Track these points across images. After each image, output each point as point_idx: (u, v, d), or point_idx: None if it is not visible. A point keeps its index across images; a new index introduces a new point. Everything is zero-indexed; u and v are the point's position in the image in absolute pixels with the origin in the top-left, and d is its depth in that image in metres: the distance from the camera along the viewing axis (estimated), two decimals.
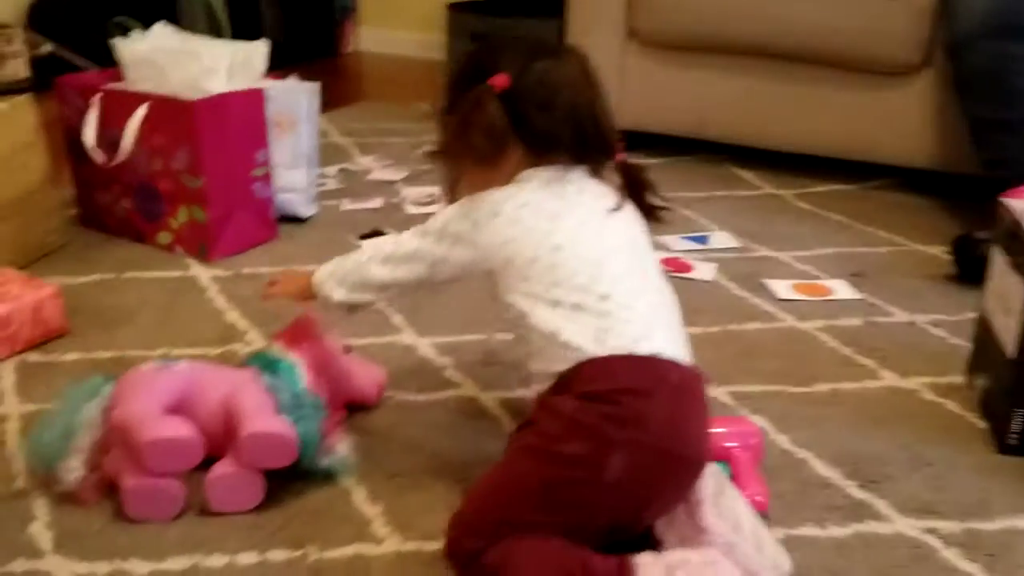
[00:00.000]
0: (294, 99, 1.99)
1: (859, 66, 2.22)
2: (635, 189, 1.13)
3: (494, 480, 1.02)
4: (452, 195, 1.14)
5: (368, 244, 1.21)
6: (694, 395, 1.03)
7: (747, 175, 2.43)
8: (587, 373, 0.99)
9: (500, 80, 1.05)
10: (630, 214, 1.13)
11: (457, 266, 1.10)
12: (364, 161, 2.47)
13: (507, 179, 1.09)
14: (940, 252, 1.91)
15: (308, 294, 1.22)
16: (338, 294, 1.18)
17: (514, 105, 1.06)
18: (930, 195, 2.29)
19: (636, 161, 1.14)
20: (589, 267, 1.03)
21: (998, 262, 1.34)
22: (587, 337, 0.99)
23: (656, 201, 1.16)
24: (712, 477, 1.02)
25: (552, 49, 1.12)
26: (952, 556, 1.07)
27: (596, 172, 1.12)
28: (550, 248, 1.04)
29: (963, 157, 2.09)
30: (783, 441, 1.28)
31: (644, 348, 0.99)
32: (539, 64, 1.06)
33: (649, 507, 0.99)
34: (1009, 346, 1.25)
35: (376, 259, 1.15)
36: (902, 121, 2.22)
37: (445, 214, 1.11)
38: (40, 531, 1.07)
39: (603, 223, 1.08)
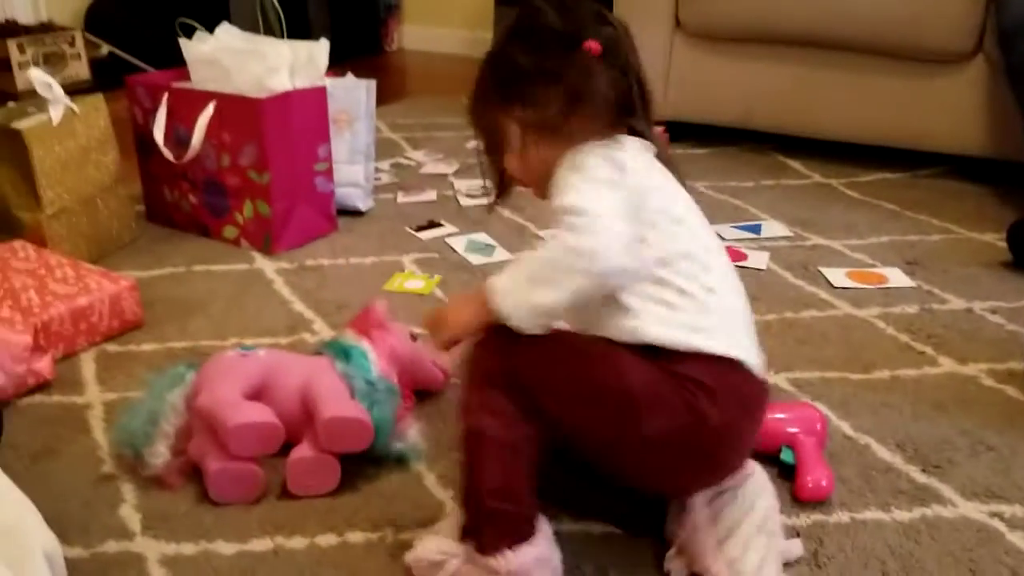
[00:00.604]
0: (353, 96, 2.03)
1: (909, 54, 2.22)
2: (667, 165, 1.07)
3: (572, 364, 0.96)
4: (503, 186, 1.12)
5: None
6: (758, 409, 1.02)
7: (795, 164, 2.44)
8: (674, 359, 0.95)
9: (595, 46, 0.99)
10: None
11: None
12: (416, 155, 2.51)
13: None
14: (994, 239, 1.92)
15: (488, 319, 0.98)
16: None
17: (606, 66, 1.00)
18: (982, 183, 2.28)
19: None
20: (701, 252, 0.99)
21: None
22: (682, 329, 0.95)
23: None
24: (730, 511, 1.03)
25: (600, 12, 1.05)
26: (1018, 539, 1.09)
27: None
28: (672, 219, 0.99)
29: (1015, 145, 2.09)
30: (845, 427, 1.30)
31: (733, 352, 0.96)
32: (606, 29, 1.02)
33: (663, 478, 1.01)
34: None
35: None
36: (953, 109, 2.22)
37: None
38: (129, 514, 1.12)
39: (697, 209, 1.05)
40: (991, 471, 1.21)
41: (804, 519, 1.11)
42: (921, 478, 1.19)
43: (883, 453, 1.24)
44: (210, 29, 1.97)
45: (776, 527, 1.04)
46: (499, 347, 0.97)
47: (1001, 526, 1.11)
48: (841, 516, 1.12)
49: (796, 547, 1.05)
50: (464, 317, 1.00)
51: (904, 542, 1.08)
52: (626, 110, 1.03)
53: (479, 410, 0.96)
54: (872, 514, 1.13)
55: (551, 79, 1.00)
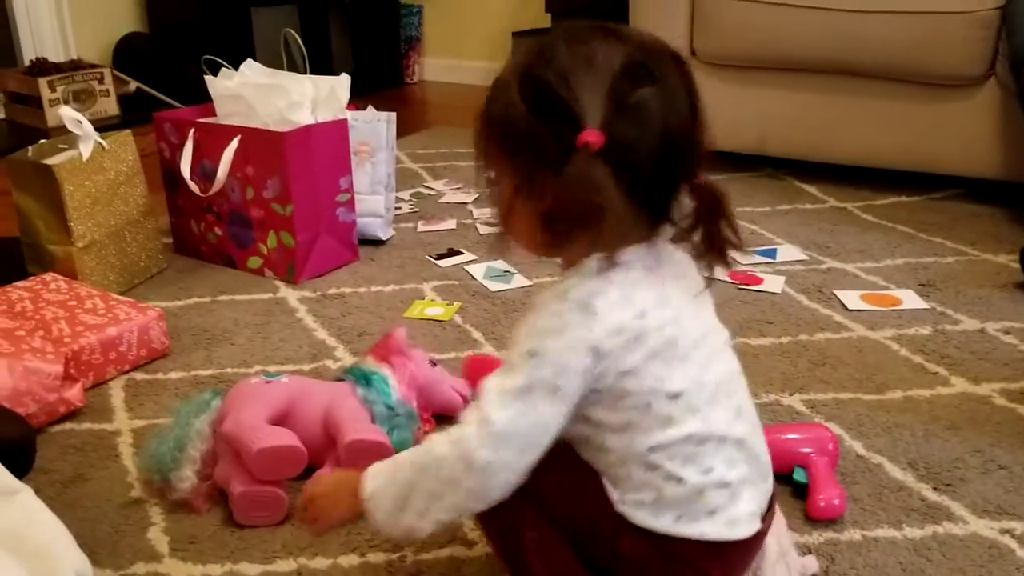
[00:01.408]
0: (373, 128, 2.08)
1: (922, 79, 2.24)
2: (710, 217, 0.86)
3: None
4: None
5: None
6: (753, 554, 0.95)
7: (811, 189, 2.46)
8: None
9: (594, 138, 0.79)
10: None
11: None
12: (436, 185, 2.56)
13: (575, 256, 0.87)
14: (1008, 261, 1.93)
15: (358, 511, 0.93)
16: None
17: (614, 163, 0.80)
18: (996, 205, 2.30)
19: (714, 180, 0.87)
20: (702, 428, 0.86)
21: None
22: (669, 517, 0.87)
23: (730, 236, 0.87)
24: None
25: (636, 60, 0.81)
26: None
27: None
28: (667, 396, 0.85)
29: None
30: (858, 447, 1.32)
31: (727, 534, 0.88)
32: (635, 94, 0.80)
33: None
34: None
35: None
36: (966, 132, 2.24)
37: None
38: (157, 536, 1.15)
39: (705, 333, 0.89)
40: (1002, 489, 1.22)
41: (816, 537, 1.13)
42: (932, 496, 1.21)
43: (895, 472, 1.26)
44: (235, 65, 2.02)
45: (789, 545, 1.05)
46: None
47: (1012, 543, 1.12)
48: (853, 534, 1.14)
49: (812, 563, 1.07)
50: (338, 512, 0.96)
51: (915, 559, 1.09)
52: (647, 219, 0.85)
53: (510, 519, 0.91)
54: (884, 532, 1.14)
55: (545, 165, 0.82)
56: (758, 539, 0.91)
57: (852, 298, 1.79)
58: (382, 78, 3.98)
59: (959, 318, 1.71)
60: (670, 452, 0.85)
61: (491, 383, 0.85)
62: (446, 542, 1.13)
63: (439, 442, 0.87)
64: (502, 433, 0.83)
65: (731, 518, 0.87)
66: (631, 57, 0.81)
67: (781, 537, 1.05)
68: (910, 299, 1.78)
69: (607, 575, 0.91)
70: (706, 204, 0.85)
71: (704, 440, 0.86)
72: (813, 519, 1.16)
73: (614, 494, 0.88)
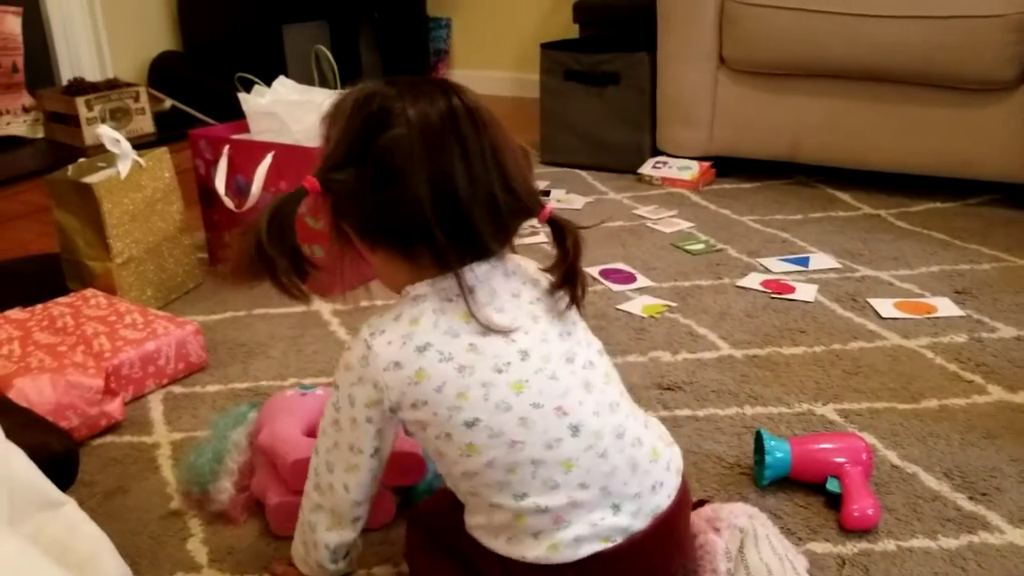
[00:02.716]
0: None
1: (954, 83, 2.23)
2: (562, 256, 0.91)
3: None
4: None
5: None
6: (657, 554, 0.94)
7: (844, 196, 2.45)
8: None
9: (308, 183, 0.92)
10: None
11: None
12: None
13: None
14: None
15: None
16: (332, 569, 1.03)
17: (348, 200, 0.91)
18: None
19: (565, 216, 0.92)
20: (506, 453, 0.88)
21: None
22: (500, 540, 0.91)
23: (582, 278, 0.92)
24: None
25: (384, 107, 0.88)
26: None
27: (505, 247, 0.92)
28: (464, 424, 0.88)
29: None
30: (892, 457, 1.31)
31: (550, 555, 0.89)
32: (388, 135, 0.87)
33: None
34: None
35: (316, 509, 1.00)
36: (1000, 137, 2.23)
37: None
38: (196, 547, 1.17)
39: (538, 359, 0.90)
40: None
41: (851, 547, 1.13)
42: (968, 506, 1.20)
43: (930, 482, 1.25)
44: (267, 82, 2.05)
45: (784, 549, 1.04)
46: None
47: None
48: (887, 544, 1.13)
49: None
50: None
51: (951, 569, 1.09)
52: (440, 253, 0.88)
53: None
54: (919, 542, 1.14)
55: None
56: (620, 559, 0.90)
57: (886, 306, 1.78)
58: None
59: (996, 325, 1.69)
60: (482, 479, 0.89)
61: None
62: None
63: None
64: (321, 461, 0.97)
65: (554, 543, 0.89)
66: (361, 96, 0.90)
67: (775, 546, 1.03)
68: (945, 307, 1.77)
69: None
70: (558, 243, 0.91)
71: (513, 467, 0.88)
72: (847, 529, 1.15)
73: (464, 516, 0.94)
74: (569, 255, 0.91)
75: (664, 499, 0.93)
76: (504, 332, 0.89)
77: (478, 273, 0.90)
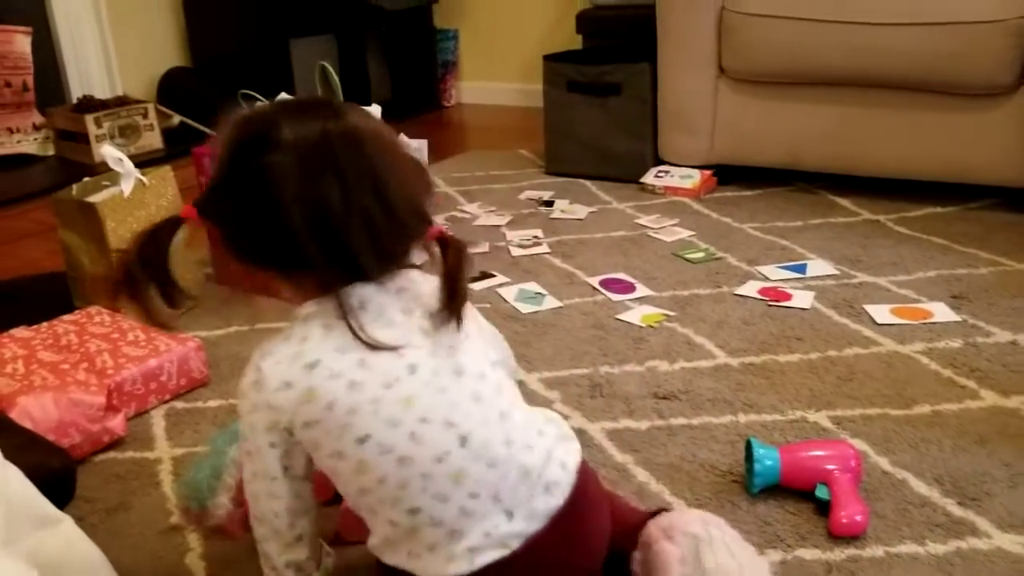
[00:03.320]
0: None
1: (952, 89, 2.24)
2: (447, 273, 0.92)
3: None
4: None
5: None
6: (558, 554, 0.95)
7: (844, 202, 2.45)
8: None
9: (186, 211, 0.94)
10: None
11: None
12: (470, 208, 2.60)
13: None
14: None
15: None
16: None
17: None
18: None
19: (455, 235, 0.94)
20: (395, 469, 0.89)
21: None
22: (400, 554, 0.93)
23: (462, 295, 0.92)
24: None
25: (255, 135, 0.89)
26: None
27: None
28: (355, 440, 0.89)
29: None
30: (883, 463, 1.32)
31: (446, 567, 0.90)
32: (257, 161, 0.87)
33: None
34: None
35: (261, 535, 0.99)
36: (999, 141, 2.23)
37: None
38: (195, 561, 1.20)
39: (417, 366, 0.91)
40: None
41: (839, 554, 1.14)
42: (957, 511, 1.21)
43: (920, 487, 1.26)
44: (276, 95, 2.08)
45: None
46: None
47: None
48: (875, 550, 1.14)
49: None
50: None
51: (938, 575, 1.10)
52: (322, 273, 0.89)
53: None
54: (907, 548, 1.15)
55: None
56: (525, 563, 0.91)
57: (882, 312, 1.78)
58: (420, 102, 4.04)
59: (991, 330, 1.70)
60: (377, 495, 0.90)
61: None
62: None
63: None
64: (248, 492, 0.97)
65: (450, 555, 0.90)
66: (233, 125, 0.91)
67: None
68: (941, 312, 1.78)
69: None
70: (445, 260, 0.92)
71: (403, 482, 0.89)
72: (835, 536, 1.16)
73: (370, 539, 0.95)
74: (452, 271, 0.91)
75: (559, 499, 0.94)
76: (392, 348, 0.90)
77: (363, 292, 0.91)
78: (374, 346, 0.89)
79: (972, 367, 1.57)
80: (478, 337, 0.98)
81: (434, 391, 0.90)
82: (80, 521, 1.09)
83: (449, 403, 0.90)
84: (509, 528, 0.91)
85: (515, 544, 0.91)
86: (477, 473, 0.90)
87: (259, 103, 2.02)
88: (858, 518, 1.17)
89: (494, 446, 0.91)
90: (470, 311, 0.97)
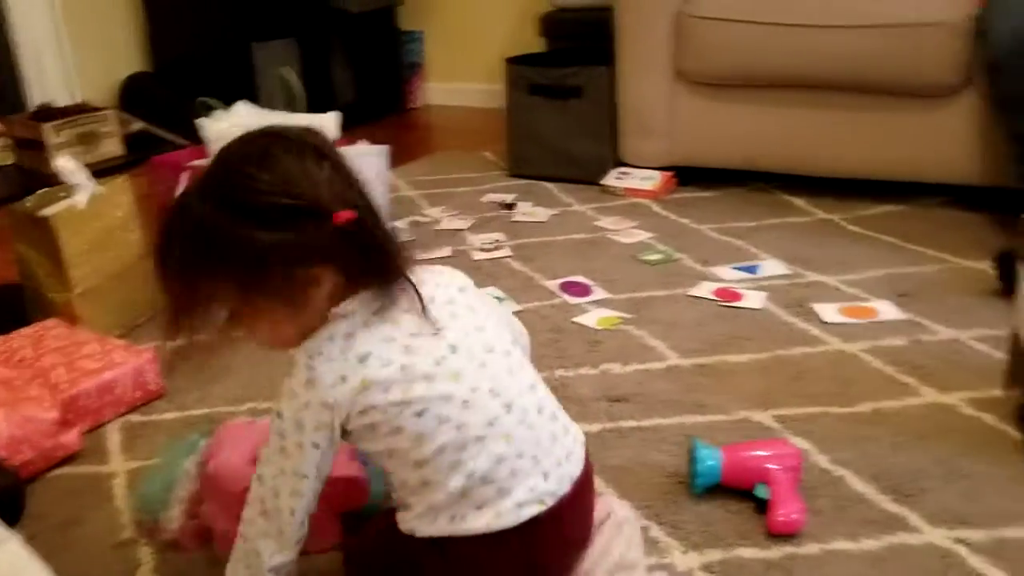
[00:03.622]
0: (365, 162, 2.12)
1: (901, 90, 2.28)
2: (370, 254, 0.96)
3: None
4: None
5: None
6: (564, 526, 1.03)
7: (799, 202, 2.49)
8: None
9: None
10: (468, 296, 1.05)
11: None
12: (432, 212, 2.61)
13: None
14: (989, 267, 1.95)
15: None
16: None
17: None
18: (982, 211, 2.32)
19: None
20: (455, 435, 0.96)
21: (1023, 276, 1.40)
22: (444, 519, 0.98)
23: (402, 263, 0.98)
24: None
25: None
26: (978, 563, 1.14)
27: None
28: (414, 414, 0.95)
29: (1005, 171, 2.13)
30: (823, 460, 1.36)
31: (496, 522, 0.97)
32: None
33: None
34: None
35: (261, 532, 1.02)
36: (947, 140, 2.27)
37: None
38: (147, 575, 1.21)
39: (456, 346, 0.99)
40: (962, 498, 1.26)
41: (776, 552, 1.17)
42: (892, 507, 1.25)
43: (857, 484, 1.30)
44: (240, 99, 2.10)
45: (637, 558, 1.11)
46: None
47: (964, 551, 1.16)
48: (811, 548, 1.18)
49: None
50: None
51: (869, 571, 1.13)
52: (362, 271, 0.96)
53: None
54: (841, 544, 1.18)
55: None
56: (552, 520, 0.99)
57: (830, 311, 1.82)
58: (386, 105, 4.04)
59: (935, 328, 1.74)
60: (434, 465, 0.96)
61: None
62: None
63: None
64: (267, 488, 0.99)
65: (499, 511, 0.97)
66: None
67: (624, 555, 1.10)
68: (887, 310, 1.82)
69: None
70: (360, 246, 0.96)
71: (462, 446, 0.96)
72: (773, 534, 1.20)
73: (403, 519, 1.00)
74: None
75: (576, 467, 1.04)
76: (435, 330, 0.98)
77: (394, 287, 0.98)
78: (419, 331, 0.97)
79: (914, 364, 1.61)
80: (495, 317, 1.07)
81: (476, 366, 0.99)
82: (32, 539, 1.11)
83: (490, 375, 0.99)
84: (545, 487, 0.99)
85: (550, 501, 1.00)
86: (521, 436, 0.99)
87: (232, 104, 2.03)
88: (795, 516, 1.20)
89: (531, 413, 1.01)
90: (483, 296, 1.08)
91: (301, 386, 0.96)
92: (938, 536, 1.18)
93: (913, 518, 1.22)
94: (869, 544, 1.18)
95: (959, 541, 1.17)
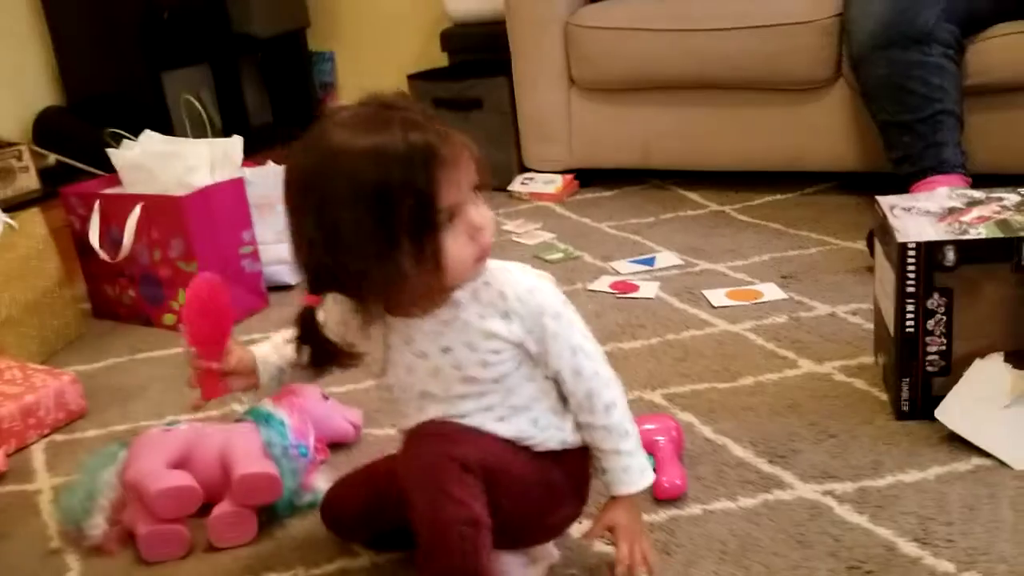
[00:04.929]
0: (272, 182, 2.21)
1: (779, 85, 2.43)
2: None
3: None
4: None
5: None
6: None
7: (693, 196, 2.63)
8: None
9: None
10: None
11: None
12: None
13: None
14: (864, 246, 2.10)
15: None
16: None
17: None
18: (863, 194, 2.46)
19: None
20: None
21: (878, 252, 1.53)
22: (574, 432, 1.13)
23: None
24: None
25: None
26: (844, 512, 1.25)
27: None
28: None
29: (882, 157, 2.28)
30: (707, 431, 1.47)
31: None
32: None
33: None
34: (891, 326, 1.44)
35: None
36: (826, 129, 2.43)
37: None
38: None
39: None
40: (829, 455, 1.37)
41: (662, 515, 1.27)
42: (767, 468, 1.36)
43: (737, 451, 1.41)
44: (154, 129, 2.16)
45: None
46: (450, 438, 1.06)
47: (832, 502, 1.27)
48: (694, 509, 1.28)
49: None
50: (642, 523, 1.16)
51: (745, 525, 1.24)
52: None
53: (469, 500, 1.00)
54: (721, 504, 1.29)
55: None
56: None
57: (718, 296, 1.94)
58: (301, 125, 4.07)
59: (813, 304, 1.87)
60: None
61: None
62: (334, 557, 1.26)
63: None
64: (605, 368, 1.17)
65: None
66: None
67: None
68: (771, 291, 1.94)
69: None
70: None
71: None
72: (659, 499, 1.30)
73: (552, 437, 1.11)
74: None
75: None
76: None
77: None
78: None
79: (793, 339, 1.73)
80: None
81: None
82: None
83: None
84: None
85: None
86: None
87: (140, 134, 2.09)
88: (678, 481, 1.31)
89: None
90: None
91: (562, 303, 1.11)
92: (808, 490, 1.30)
93: (787, 476, 1.33)
94: (746, 502, 1.29)
95: (827, 493, 1.29)
